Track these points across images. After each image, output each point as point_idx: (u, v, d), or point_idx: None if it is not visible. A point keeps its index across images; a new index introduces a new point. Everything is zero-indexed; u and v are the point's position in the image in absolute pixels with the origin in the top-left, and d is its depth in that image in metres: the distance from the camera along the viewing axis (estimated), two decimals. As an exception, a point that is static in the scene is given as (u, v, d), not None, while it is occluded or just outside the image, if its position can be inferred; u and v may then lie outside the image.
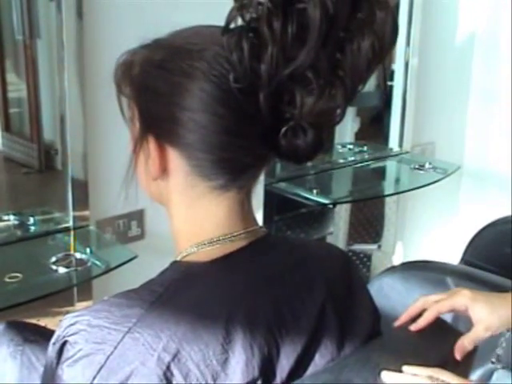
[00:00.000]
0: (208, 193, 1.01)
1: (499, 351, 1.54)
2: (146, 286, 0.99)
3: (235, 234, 1.03)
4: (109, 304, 0.96)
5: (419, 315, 1.21)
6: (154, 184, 1.05)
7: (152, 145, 1.00)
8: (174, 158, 1.00)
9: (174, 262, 1.04)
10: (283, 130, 0.94)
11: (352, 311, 1.11)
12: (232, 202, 1.02)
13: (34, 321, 1.98)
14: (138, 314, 0.93)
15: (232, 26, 0.91)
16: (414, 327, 1.19)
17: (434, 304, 1.22)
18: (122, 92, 1.05)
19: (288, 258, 1.09)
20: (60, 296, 1.92)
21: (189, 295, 0.97)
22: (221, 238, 1.02)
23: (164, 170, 1.01)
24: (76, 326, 0.94)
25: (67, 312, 2.06)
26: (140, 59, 1.02)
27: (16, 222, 2.12)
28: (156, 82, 0.99)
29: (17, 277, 1.80)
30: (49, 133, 2.28)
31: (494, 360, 1.64)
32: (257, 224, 1.08)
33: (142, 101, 1.02)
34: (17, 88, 2.32)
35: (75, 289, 2.06)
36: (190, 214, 1.04)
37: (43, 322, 2.02)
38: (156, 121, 1.01)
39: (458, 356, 1.14)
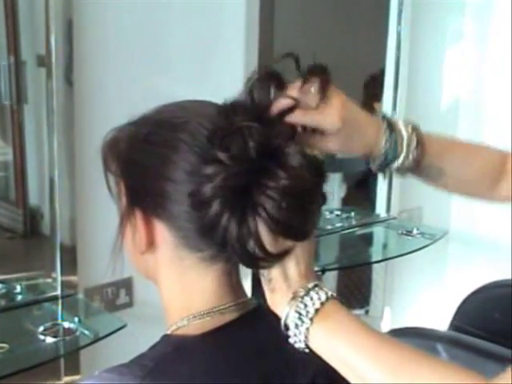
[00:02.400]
0: (196, 264, 0.99)
1: None
2: (137, 360, 0.98)
3: (225, 306, 1.02)
4: (100, 379, 0.95)
5: None
6: (142, 258, 1.04)
7: (139, 219, 1.00)
8: (162, 230, 0.99)
9: (165, 336, 1.03)
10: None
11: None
12: (221, 274, 1.01)
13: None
14: None
15: None
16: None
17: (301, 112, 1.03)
18: (109, 169, 1.05)
19: (279, 332, 1.07)
20: (46, 364, 1.88)
21: (180, 371, 0.95)
22: (211, 310, 1.01)
23: (151, 244, 1.00)
24: None
25: (53, 382, 2.06)
26: (126, 135, 1.02)
27: (2, 291, 2.09)
28: (141, 156, 0.99)
29: (3, 347, 1.77)
30: (34, 197, 2.27)
31: None
32: (246, 296, 1.07)
33: (128, 175, 1.02)
34: (3, 152, 2.31)
35: (62, 358, 2.03)
36: (179, 287, 1.03)
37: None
38: (142, 194, 1.00)
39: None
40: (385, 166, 1.17)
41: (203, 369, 0.97)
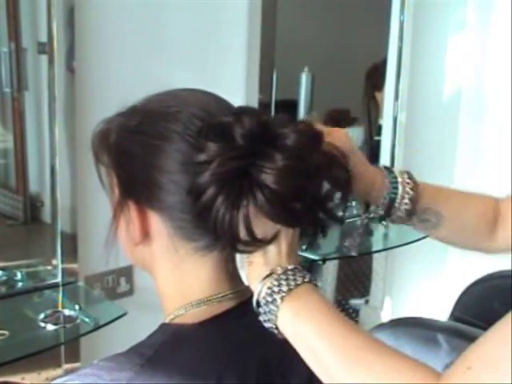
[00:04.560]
0: (192, 254, 0.99)
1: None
2: (135, 348, 0.98)
3: (222, 294, 1.01)
4: (98, 368, 0.94)
5: None
6: (136, 249, 1.03)
7: (133, 210, 0.99)
8: (156, 221, 0.98)
9: (163, 325, 1.02)
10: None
11: None
12: (217, 262, 1.00)
13: (18, 377, 1.95)
14: (128, 378, 0.91)
15: None
16: None
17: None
18: (100, 161, 1.04)
19: None
20: (47, 352, 1.88)
21: (179, 358, 0.95)
22: (208, 298, 1.00)
23: (146, 235, 1.00)
24: None
25: (53, 369, 2.07)
26: (116, 126, 1.01)
27: (3, 278, 2.09)
28: (132, 146, 0.99)
29: (3, 334, 1.78)
30: (34, 185, 2.27)
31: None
32: (243, 284, 1.06)
33: (119, 167, 1.01)
34: (3, 139, 2.31)
35: (63, 346, 2.03)
36: (175, 277, 1.02)
37: (28, 378, 1.99)
38: (135, 185, 1.00)
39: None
40: (388, 209, 1.18)
41: (202, 357, 0.96)
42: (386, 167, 1.20)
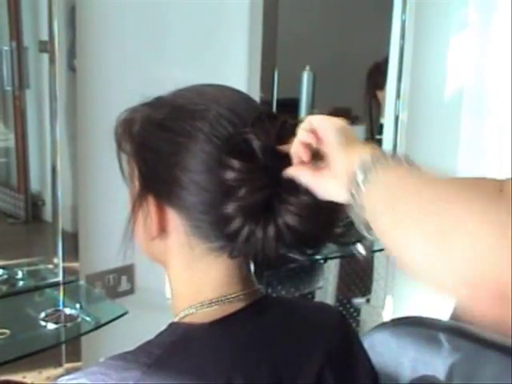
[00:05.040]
0: (207, 254, 0.99)
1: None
2: (144, 347, 0.96)
3: (234, 295, 1.01)
4: (105, 366, 0.93)
5: None
6: (152, 244, 1.03)
7: (151, 204, 0.98)
8: (174, 218, 0.98)
9: (173, 323, 1.02)
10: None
11: (350, 375, 1.08)
12: (230, 264, 1.00)
13: (19, 376, 1.95)
14: (136, 377, 0.89)
15: None
16: None
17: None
18: (122, 149, 1.03)
19: (286, 321, 1.07)
20: (48, 351, 1.88)
21: (187, 358, 0.94)
22: (219, 299, 1.00)
23: (163, 230, 0.99)
24: None
25: (54, 368, 2.06)
26: (141, 117, 1.00)
27: (4, 277, 2.09)
28: (157, 142, 0.98)
29: (4, 333, 1.77)
30: (35, 184, 2.27)
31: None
32: (255, 285, 1.06)
33: (142, 160, 1.00)
34: (4, 138, 2.31)
35: (63, 345, 2.03)
36: (188, 275, 1.02)
37: (29, 377, 1.99)
38: (156, 181, 0.99)
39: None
40: None
41: (210, 357, 0.96)
42: None
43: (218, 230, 0.95)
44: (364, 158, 0.85)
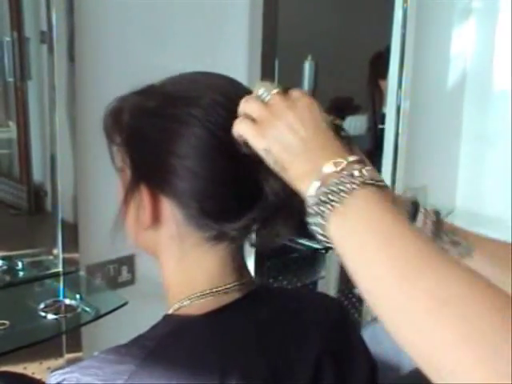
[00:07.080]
0: (200, 244, 0.98)
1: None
2: (137, 340, 0.96)
3: (228, 286, 1.00)
4: (98, 360, 0.92)
5: None
6: (144, 234, 1.02)
7: (145, 194, 0.97)
8: (167, 206, 0.97)
9: (167, 316, 1.01)
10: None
11: (349, 364, 1.08)
12: (224, 254, 1.00)
13: (20, 367, 1.95)
14: (130, 371, 0.89)
15: None
16: None
17: None
18: (113, 140, 1.02)
19: (282, 311, 1.07)
20: (49, 342, 1.88)
21: (181, 351, 0.94)
22: (213, 290, 0.99)
23: (156, 220, 0.98)
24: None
25: (55, 359, 2.06)
26: (131, 105, 0.99)
27: (4, 267, 2.09)
28: (149, 129, 0.97)
29: (4, 324, 1.77)
30: (38, 174, 2.27)
31: None
32: (250, 275, 1.05)
33: (133, 149, 0.99)
34: (6, 129, 2.30)
35: (64, 335, 2.03)
36: (181, 266, 1.01)
37: (30, 368, 1.99)
38: (149, 169, 0.98)
39: None
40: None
41: (205, 349, 0.95)
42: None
43: (212, 218, 0.95)
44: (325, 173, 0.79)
